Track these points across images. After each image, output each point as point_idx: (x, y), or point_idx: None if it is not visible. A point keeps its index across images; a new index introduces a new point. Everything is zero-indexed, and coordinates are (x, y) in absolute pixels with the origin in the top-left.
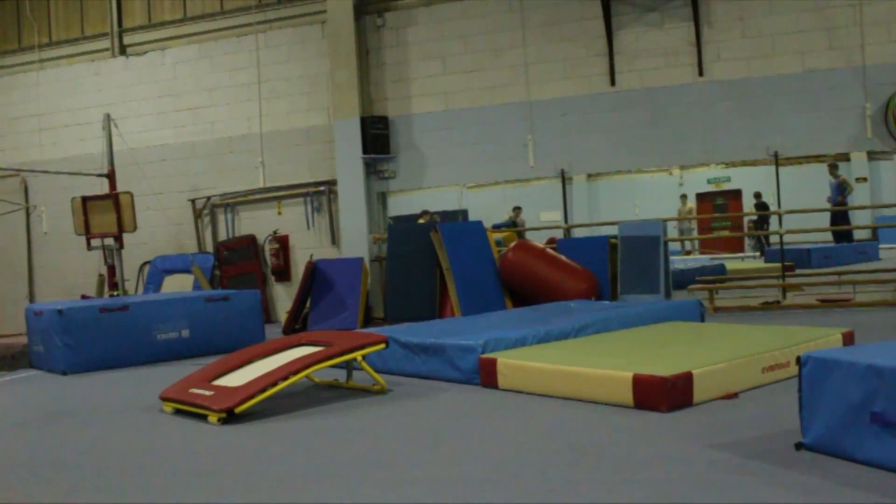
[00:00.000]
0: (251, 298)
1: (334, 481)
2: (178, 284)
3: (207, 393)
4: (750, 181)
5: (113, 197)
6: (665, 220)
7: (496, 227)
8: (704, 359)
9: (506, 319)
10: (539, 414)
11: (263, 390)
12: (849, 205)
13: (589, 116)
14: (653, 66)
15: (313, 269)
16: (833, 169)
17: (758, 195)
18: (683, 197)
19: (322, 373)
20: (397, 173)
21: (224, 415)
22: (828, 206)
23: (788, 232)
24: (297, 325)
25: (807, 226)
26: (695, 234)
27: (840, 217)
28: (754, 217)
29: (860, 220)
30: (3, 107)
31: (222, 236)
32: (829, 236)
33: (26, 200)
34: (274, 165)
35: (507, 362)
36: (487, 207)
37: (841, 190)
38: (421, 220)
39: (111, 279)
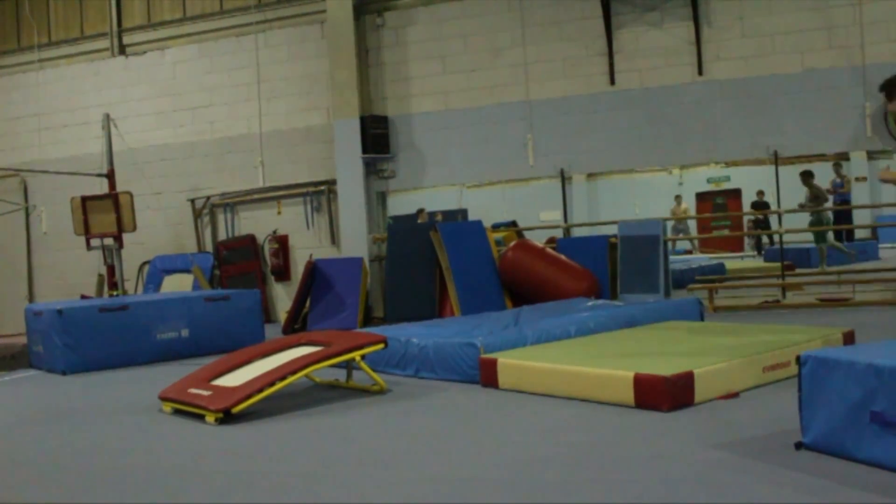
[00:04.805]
0: (251, 298)
1: (332, 481)
2: (177, 284)
3: (205, 393)
4: (749, 181)
5: (112, 197)
6: (665, 220)
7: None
8: (705, 358)
9: (505, 319)
10: (539, 414)
11: (261, 390)
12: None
13: (588, 116)
14: (652, 66)
15: (313, 269)
16: (838, 168)
17: (760, 194)
18: (678, 197)
19: (322, 373)
20: (397, 173)
21: (221, 415)
22: (838, 205)
23: (788, 231)
24: (296, 325)
25: (806, 225)
26: (691, 234)
27: (845, 216)
28: (754, 217)
29: (860, 219)
30: (2, 106)
31: (222, 236)
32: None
33: (26, 200)
34: (273, 165)
35: (508, 362)
36: (487, 207)
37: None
38: (420, 220)
39: (111, 279)
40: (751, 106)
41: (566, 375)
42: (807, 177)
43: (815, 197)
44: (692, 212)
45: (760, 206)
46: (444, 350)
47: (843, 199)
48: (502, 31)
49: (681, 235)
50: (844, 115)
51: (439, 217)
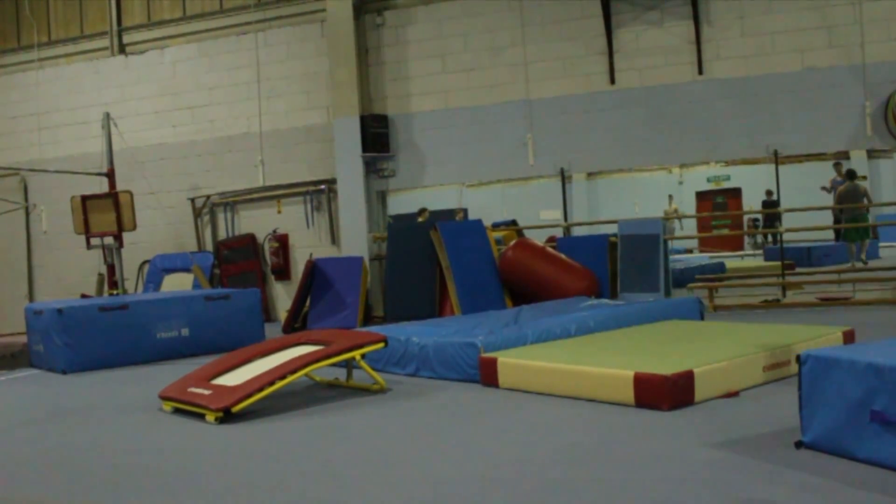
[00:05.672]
0: (251, 297)
1: (333, 480)
2: (177, 283)
3: (206, 392)
4: (749, 180)
5: (112, 196)
6: (664, 219)
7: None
8: (705, 357)
9: (505, 318)
10: (539, 413)
11: (261, 389)
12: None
13: (589, 115)
14: (652, 65)
15: (313, 268)
16: (838, 167)
17: (769, 192)
18: (670, 197)
19: (322, 372)
20: (397, 172)
21: (221, 414)
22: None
23: (788, 230)
24: (296, 324)
25: (806, 224)
26: (678, 233)
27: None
28: (757, 216)
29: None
30: (2, 106)
31: (222, 235)
32: (828, 234)
33: (26, 200)
34: (273, 164)
35: (508, 361)
36: (487, 206)
37: None
38: (420, 219)
39: (111, 278)
40: (751, 105)
41: (566, 374)
42: (851, 176)
43: (849, 194)
44: (692, 211)
45: (771, 205)
46: (444, 349)
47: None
48: (502, 31)
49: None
50: (844, 114)
51: (460, 216)
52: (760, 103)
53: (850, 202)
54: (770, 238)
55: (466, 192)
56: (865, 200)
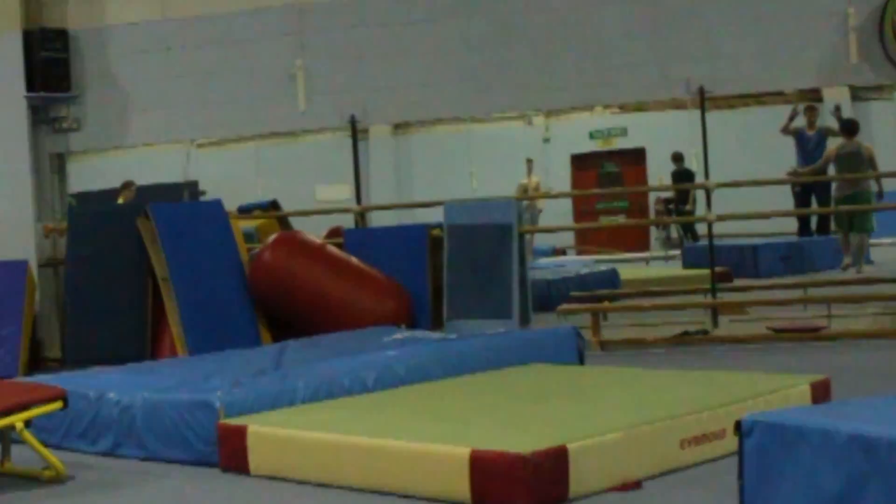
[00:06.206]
0: None
1: None
2: None
3: None
4: (659, 135)
5: None
6: (520, 199)
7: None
8: (587, 425)
9: (260, 361)
10: None
11: None
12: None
13: (393, 28)
14: None
15: None
16: (812, 112)
17: (677, 157)
18: (529, 162)
19: None
20: (83, 123)
21: None
22: (806, 173)
23: (721, 218)
24: None
25: (749, 208)
26: (542, 222)
27: (819, 192)
28: (669, 193)
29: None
30: None
31: None
32: (789, 224)
33: None
34: None
35: (264, 431)
36: (231, 179)
37: (822, 145)
38: (121, 199)
39: None
40: (661, 18)
41: (360, 453)
42: (850, 130)
43: (849, 159)
44: (564, 186)
45: (681, 176)
46: (160, 412)
47: (812, 162)
48: None
49: (531, 225)
50: (812, 30)
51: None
52: (677, 16)
53: (850, 170)
54: (689, 232)
55: (198, 156)
56: (870, 170)
